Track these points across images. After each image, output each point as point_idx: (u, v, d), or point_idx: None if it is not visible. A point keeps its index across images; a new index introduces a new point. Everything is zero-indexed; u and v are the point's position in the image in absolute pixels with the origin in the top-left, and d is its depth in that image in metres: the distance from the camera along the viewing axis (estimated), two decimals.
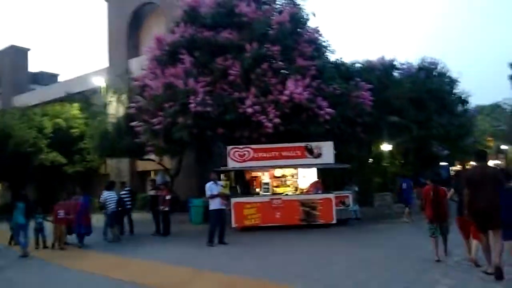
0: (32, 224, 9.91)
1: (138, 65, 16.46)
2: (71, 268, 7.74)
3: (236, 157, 11.83)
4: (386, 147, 14.08)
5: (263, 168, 12.20)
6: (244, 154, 11.80)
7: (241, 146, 11.94)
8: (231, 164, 11.82)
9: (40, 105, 24.98)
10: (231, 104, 11.85)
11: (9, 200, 10.02)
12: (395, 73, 15.49)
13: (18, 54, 32.50)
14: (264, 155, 11.76)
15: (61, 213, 9.78)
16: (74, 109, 21.81)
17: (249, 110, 11.57)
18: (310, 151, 11.54)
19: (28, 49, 33.83)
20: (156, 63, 13.24)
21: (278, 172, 12.54)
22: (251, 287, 5.90)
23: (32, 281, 7.02)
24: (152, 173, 20.58)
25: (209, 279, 6.41)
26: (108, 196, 10.90)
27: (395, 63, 15.53)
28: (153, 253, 8.93)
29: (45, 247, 10.10)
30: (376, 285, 5.54)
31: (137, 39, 23.59)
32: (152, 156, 16.74)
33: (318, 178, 11.95)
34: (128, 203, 11.78)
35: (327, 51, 13.73)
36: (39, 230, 10.15)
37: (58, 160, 20.05)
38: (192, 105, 11.36)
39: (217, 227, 9.34)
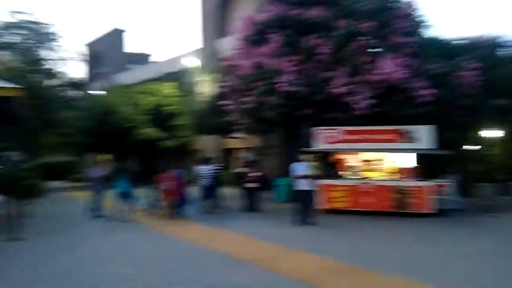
0: (134, 193, 10.91)
1: (228, 45, 16.87)
2: (169, 235, 8.47)
3: (323, 138, 11.66)
4: (492, 133, 12.72)
5: (354, 151, 11.86)
6: (333, 136, 11.57)
7: (330, 127, 11.72)
8: (318, 145, 11.69)
9: (138, 83, 27.04)
10: (319, 84, 11.64)
11: (114, 171, 11.24)
12: (502, 51, 13.79)
13: (116, 36, 35.47)
14: (355, 137, 11.40)
15: (165, 185, 10.46)
16: (168, 88, 23.25)
17: (338, 90, 11.27)
18: (407, 135, 10.89)
19: (124, 31, 36.64)
20: (246, 42, 13.44)
21: (367, 155, 12.12)
22: (352, 273, 5.83)
23: (135, 241, 7.78)
24: (238, 151, 21.31)
25: (301, 259, 6.51)
26: (202, 170, 11.57)
27: (502, 39, 13.79)
28: (242, 227, 9.33)
29: (145, 214, 11.14)
30: None
31: (227, 19, 24.14)
32: (239, 135, 17.26)
33: (415, 164, 11.26)
34: (220, 178, 12.26)
35: (424, 27, 12.70)
36: (142, 198, 11.17)
37: (154, 135, 21.65)
38: (282, 84, 11.38)
39: (302, 207, 9.41)
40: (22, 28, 24.12)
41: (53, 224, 10.24)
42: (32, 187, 14.71)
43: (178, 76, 24.00)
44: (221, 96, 14.45)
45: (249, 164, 12.80)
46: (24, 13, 24.10)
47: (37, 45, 23.34)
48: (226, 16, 24.22)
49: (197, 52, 23.88)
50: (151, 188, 11.31)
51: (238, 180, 12.74)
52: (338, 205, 11.07)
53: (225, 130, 16.47)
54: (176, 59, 26.06)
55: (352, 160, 12.18)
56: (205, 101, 17.01)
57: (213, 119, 15.76)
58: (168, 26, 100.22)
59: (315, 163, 10.23)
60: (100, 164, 13.23)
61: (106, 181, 11.35)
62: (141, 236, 8.68)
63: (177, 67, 24.67)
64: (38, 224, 10.01)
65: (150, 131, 21.57)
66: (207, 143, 22.59)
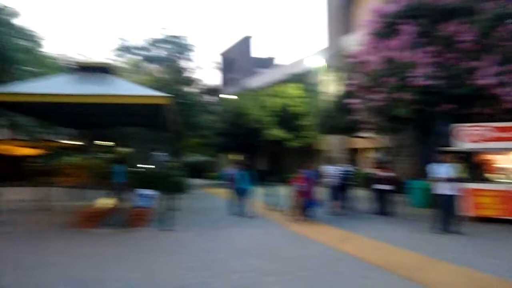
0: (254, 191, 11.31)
1: (353, 42, 16.37)
2: (301, 234, 8.59)
3: (468, 137, 10.38)
4: None
5: (506, 151, 10.30)
6: (480, 133, 10.22)
7: (475, 124, 10.38)
8: (461, 144, 10.46)
9: (264, 87, 28.21)
10: (460, 76, 10.42)
11: (241, 169, 12.05)
12: None
13: (246, 42, 37.62)
14: (508, 135, 9.87)
15: (298, 185, 10.41)
16: (293, 89, 23.71)
17: (486, 81, 9.92)
18: None
19: (251, 37, 38.63)
20: (374, 36, 12.83)
21: None
22: None
23: (270, 238, 8.08)
24: (366, 151, 20.52)
25: (446, 270, 5.91)
26: (329, 171, 11.45)
27: None
28: (373, 231, 8.91)
29: (278, 212, 11.50)
30: None
31: (353, 15, 23.49)
32: (367, 134, 16.60)
33: None
34: (350, 179, 11.93)
35: None
36: (272, 196, 11.57)
37: (281, 135, 22.30)
38: (417, 78, 10.54)
39: (444, 213, 8.53)
40: (167, 42, 27.43)
41: (196, 218, 11.34)
42: (178, 183, 16.60)
43: (302, 77, 24.30)
44: (347, 94, 14.11)
45: (380, 164, 12.19)
46: (169, 29, 27.41)
47: (179, 56, 26.18)
48: (352, 12, 23.56)
49: (322, 52, 23.78)
50: (281, 187, 11.64)
51: (368, 181, 12.25)
52: (487, 213, 9.75)
53: (351, 129, 16.04)
54: (301, 60, 26.41)
55: (503, 161, 10.59)
56: (331, 100, 16.83)
57: (339, 118, 15.50)
58: (293, 29, 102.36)
59: (458, 165, 9.17)
60: (233, 164, 14.18)
61: (234, 180, 11.99)
62: (275, 233, 8.98)
63: (302, 68, 24.99)
64: (183, 217, 11.20)
65: (277, 132, 22.28)
66: (332, 143, 22.33)
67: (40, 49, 16.42)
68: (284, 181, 11.86)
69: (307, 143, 22.91)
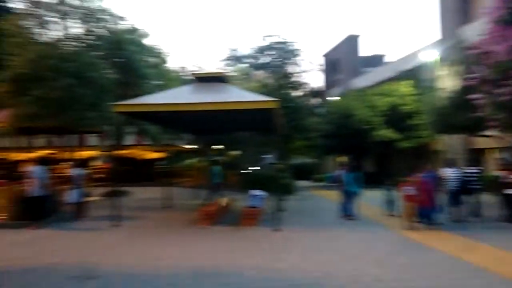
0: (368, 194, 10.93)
1: (474, 31, 14.81)
2: (416, 241, 8.12)
3: None
4: None
5: None
6: None
7: None
8: None
9: (373, 86, 27.15)
10: None
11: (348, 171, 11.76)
12: None
13: (351, 42, 36.58)
14: None
15: (409, 190, 9.69)
16: (404, 87, 22.38)
17: None
18: None
19: (358, 36, 37.39)
20: (499, 24, 11.45)
21: None
22: None
23: (380, 242, 7.81)
24: (491, 152, 18.33)
25: None
26: (448, 174, 10.56)
27: None
28: (502, 241, 7.97)
29: (387, 216, 11.04)
30: None
31: (470, 3, 21.29)
32: (492, 132, 14.84)
33: None
34: (475, 183, 10.72)
35: None
36: (382, 200, 11.13)
37: (391, 136, 21.22)
38: None
39: None
40: (273, 49, 28.30)
41: (304, 219, 11.51)
42: (286, 185, 16.99)
43: (414, 73, 22.79)
44: (467, 89, 12.81)
45: (507, 166, 10.83)
46: (273, 35, 28.25)
47: (285, 62, 26.79)
48: (469, 1, 21.36)
49: (435, 45, 22.00)
50: (389, 190, 11.14)
51: (495, 185, 10.96)
52: None
53: (473, 127, 14.49)
54: (412, 56, 24.80)
55: None
56: (447, 96, 15.45)
57: (457, 116, 14.13)
58: (401, 23, 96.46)
59: None
60: (340, 166, 14.00)
61: (340, 182, 11.80)
62: (387, 238, 8.67)
63: (412, 64, 23.45)
64: (292, 217, 11.46)
65: (386, 132, 21.28)
66: (450, 143, 20.46)
67: (165, 64, 18.41)
68: (394, 184, 11.28)
69: (419, 143, 21.39)
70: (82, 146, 20.14)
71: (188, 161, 29.58)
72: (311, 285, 5.47)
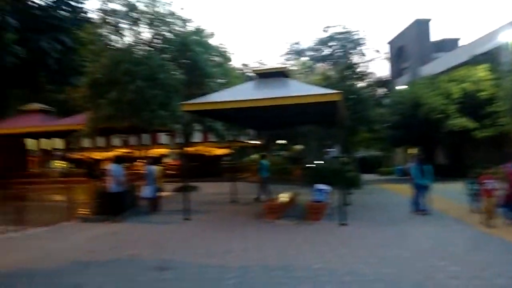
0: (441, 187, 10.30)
1: None
2: (495, 237, 7.57)
3: None
4: None
5: None
6: None
7: None
8: None
9: (445, 72, 25.44)
10: None
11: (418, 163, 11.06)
12: None
13: (421, 27, 34.44)
14: None
15: (490, 183, 9.00)
16: (480, 71, 20.69)
17: None
18: None
19: (429, 20, 35.09)
20: None
21: None
22: None
23: (456, 238, 7.39)
24: None
25: None
26: None
27: None
28: None
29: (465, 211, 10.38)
30: None
31: None
32: None
33: None
34: None
35: None
36: (472, 195, 10.41)
37: (466, 125, 19.79)
38: None
39: None
40: (334, 40, 27.71)
41: (371, 213, 11.22)
42: (351, 178, 16.64)
43: (491, 56, 20.97)
44: None
45: None
46: (335, 26, 27.65)
47: (347, 52, 26.13)
48: None
49: None
50: (472, 183, 10.40)
51: None
52: None
53: None
54: (488, 37, 22.81)
55: None
56: None
57: None
58: (476, 2, 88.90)
59: None
60: (410, 158, 13.39)
61: (411, 175, 11.29)
62: (463, 234, 8.18)
63: (489, 46, 21.57)
64: (358, 212, 11.22)
65: (461, 121, 19.86)
66: None
67: (229, 63, 18.87)
68: (470, 176, 10.53)
69: (498, 132, 19.64)
70: (154, 144, 21.39)
71: (252, 157, 30.14)
72: (383, 280, 5.34)
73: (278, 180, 19.61)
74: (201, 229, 9.52)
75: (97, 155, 22.48)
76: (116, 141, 21.11)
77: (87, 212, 10.96)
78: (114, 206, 10.54)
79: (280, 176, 21.58)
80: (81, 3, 22.78)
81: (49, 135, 19.40)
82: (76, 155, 23.37)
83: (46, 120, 18.14)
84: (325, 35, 28.16)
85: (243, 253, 7.01)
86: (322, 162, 24.38)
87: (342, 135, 14.22)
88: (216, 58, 18.01)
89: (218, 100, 10.72)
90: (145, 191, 12.14)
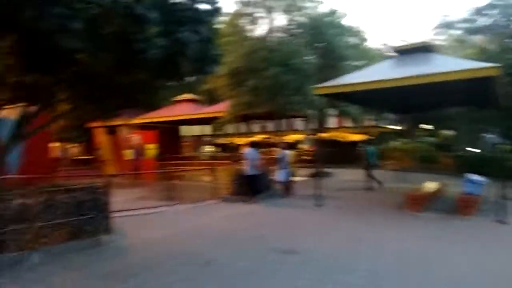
0: None
1: None
2: None
3: None
4: None
5: None
6: None
7: None
8: None
9: None
10: None
11: None
12: None
13: None
14: None
15: None
16: None
17: None
18: None
19: None
20: None
21: None
22: None
23: None
24: None
25: None
26: None
27: None
28: None
29: None
30: None
31: None
32: None
33: None
34: None
35: None
36: None
37: None
38: None
39: None
40: (495, 7, 23.60)
41: None
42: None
43: None
44: None
45: None
46: None
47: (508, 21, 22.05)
48: None
49: None
50: None
51: None
52: None
53: None
54: None
55: None
56: None
57: None
58: None
59: None
60: None
61: None
62: None
63: None
64: None
65: None
66: None
67: (365, 43, 17.90)
68: None
69: None
70: (290, 130, 21.80)
71: (392, 143, 28.12)
72: None
73: (425, 169, 17.91)
74: (332, 216, 9.25)
75: (239, 140, 24.06)
76: (255, 127, 22.14)
77: (227, 193, 11.75)
78: (249, 188, 11.05)
79: (426, 164, 19.69)
80: None
81: (198, 122, 21.51)
82: (221, 140, 25.46)
83: (196, 108, 20.13)
84: (482, 3, 24.22)
85: (378, 245, 6.49)
86: (478, 149, 21.29)
87: (503, 117, 12.04)
88: (351, 39, 17.21)
89: (352, 81, 10.15)
90: (279, 175, 12.41)
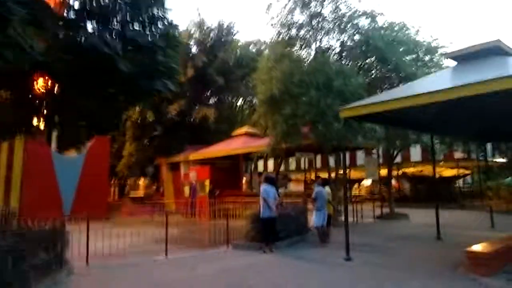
0: None
1: None
2: None
3: None
4: None
5: None
6: None
7: None
8: None
9: None
10: None
11: None
12: None
13: None
14: None
15: None
16: None
17: None
18: None
19: None
20: None
21: None
22: None
23: None
24: None
25: None
26: None
27: None
28: None
29: None
30: None
31: None
32: None
33: None
34: None
35: None
36: None
37: None
38: None
39: None
40: None
41: None
42: None
43: None
44: None
45: None
46: None
47: None
48: None
49: None
50: None
51: None
52: None
53: None
54: None
55: None
56: None
57: None
58: None
59: None
60: None
61: None
62: None
63: None
64: None
65: None
66: None
67: (438, 57, 14.78)
68: None
69: None
70: (352, 165, 18.99)
71: (508, 179, 22.70)
72: None
73: None
74: (358, 276, 6.81)
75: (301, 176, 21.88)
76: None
77: (243, 237, 9.85)
78: (264, 233, 9.09)
79: None
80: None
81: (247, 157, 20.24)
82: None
83: (249, 142, 18.79)
84: None
85: None
86: None
87: None
88: (420, 55, 14.46)
89: (385, 98, 7.81)
90: (314, 217, 10.16)
